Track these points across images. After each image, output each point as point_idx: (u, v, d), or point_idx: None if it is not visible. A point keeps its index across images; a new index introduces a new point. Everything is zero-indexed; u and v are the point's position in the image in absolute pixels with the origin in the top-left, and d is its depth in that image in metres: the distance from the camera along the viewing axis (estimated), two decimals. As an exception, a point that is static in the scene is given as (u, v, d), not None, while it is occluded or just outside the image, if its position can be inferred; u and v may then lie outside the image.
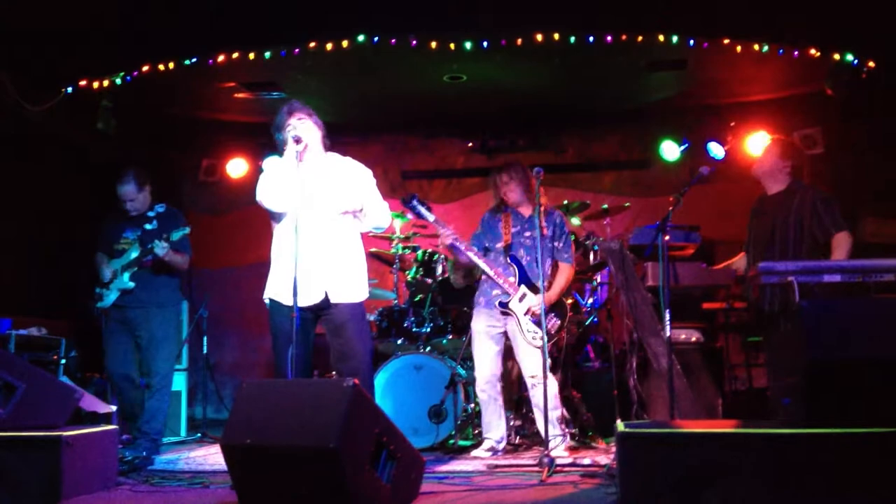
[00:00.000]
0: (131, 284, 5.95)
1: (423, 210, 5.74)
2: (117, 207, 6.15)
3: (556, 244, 5.86)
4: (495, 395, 5.80)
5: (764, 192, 5.58)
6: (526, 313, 5.66)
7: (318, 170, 4.81)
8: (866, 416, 3.42)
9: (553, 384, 5.65)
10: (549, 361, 5.67)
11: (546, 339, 5.52)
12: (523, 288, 5.69)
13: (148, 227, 6.04)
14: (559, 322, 5.79)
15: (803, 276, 4.53)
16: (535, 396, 5.69)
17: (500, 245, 5.85)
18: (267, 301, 4.83)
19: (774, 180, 5.49)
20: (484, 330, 5.80)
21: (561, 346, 6.26)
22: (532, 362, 5.65)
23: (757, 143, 7.62)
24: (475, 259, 5.74)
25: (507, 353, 5.93)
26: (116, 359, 5.97)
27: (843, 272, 4.54)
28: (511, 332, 5.76)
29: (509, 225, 5.86)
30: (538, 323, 5.62)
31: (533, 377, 5.66)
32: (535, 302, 5.64)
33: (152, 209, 6.13)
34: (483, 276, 5.89)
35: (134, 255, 5.96)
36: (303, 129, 4.75)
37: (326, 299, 4.72)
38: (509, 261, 5.77)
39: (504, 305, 5.69)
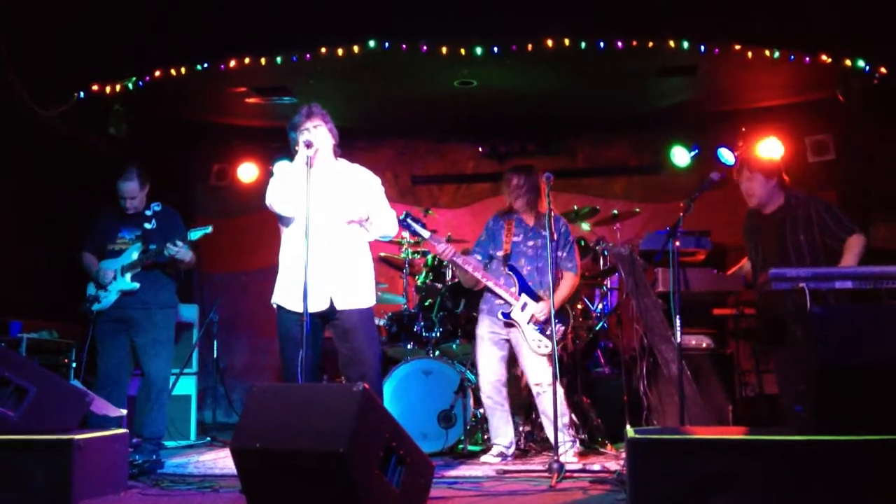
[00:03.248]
0: (136, 285, 5.85)
1: (417, 227, 5.69)
2: (110, 205, 6.02)
3: (560, 253, 5.85)
4: (501, 400, 5.79)
5: (753, 209, 5.55)
6: (529, 321, 5.66)
7: (327, 176, 4.82)
8: (878, 423, 3.40)
9: (559, 390, 5.64)
10: (549, 367, 5.68)
11: (552, 346, 5.54)
12: (524, 297, 5.69)
13: (147, 226, 5.94)
14: (563, 328, 5.80)
15: (815, 282, 4.51)
16: (542, 404, 5.69)
17: (500, 253, 5.85)
18: (274, 306, 4.85)
19: (770, 201, 5.45)
20: (487, 336, 5.80)
21: (569, 351, 6.25)
22: (537, 370, 5.65)
23: (770, 149, 7.62)
24: (473, 272, 5.74)
25: (515, 360, 5.92)
26: (113, 362, 5.84)
27: (855, 279, 4.52)
28: (515, 340, 5.76)
29: (511, 233, 5.86)
30: (542, 331, 5.63)
31: (538, 385, 5.65)
32: (538, 309, 5.64)
33: (149, 208, 6.02)
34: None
35: (135, 255, 5.87)
36: (315, 134, 4.77)
37: (332, 306, 4.73)
38: (508, 270, 5.76)
39: (507, 316, 5.69)
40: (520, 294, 5.70)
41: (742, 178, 5.52)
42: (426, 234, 5.72)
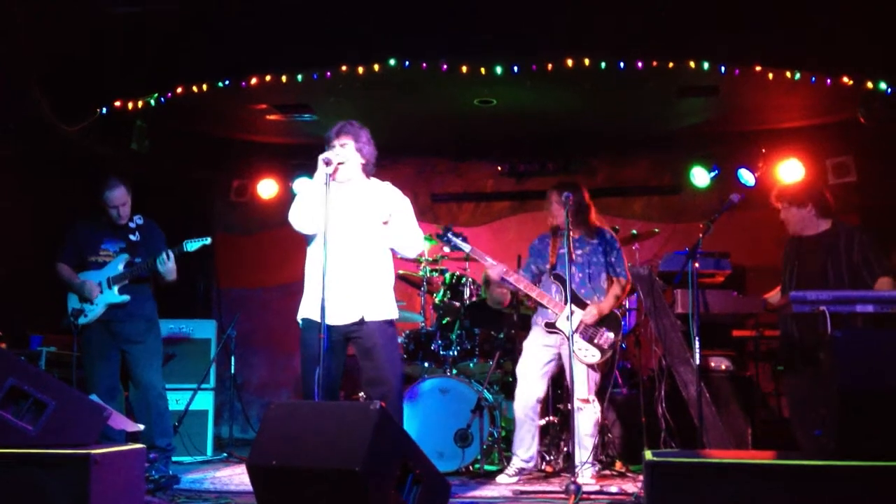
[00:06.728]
0: (126, 298, 5.75)
1: (458, 242, 5.65)
2: (92, 216, 5.95)
3: (609, 259, 5.82)
4: (533, 415, 5.75)
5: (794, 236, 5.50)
6: (577, 330, 5.59)
7: (352, 193, 4.83)
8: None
9: (596, 409, 5.61)
10: (597, 383, 5.62)
11: (600, 354, 5.50)
12: (570, 306, 5.61)
13: (132, 237, 5.84)
14: (612, 336, 5.69)
15: (835, 305, 4.47)
16: (583, 420, 5.61)
17: (547, 266, 5.82)
18: (300, 321, 4.81)
19: (808, 226, 5.37)
20: (536, 349, 5.75)
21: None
22: (581, 384, 5.57)
23: (791, 171, 7.61)
24: (517, 285, 5.69)
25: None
26: (108, 378, 5.76)
27: (876, 303, 4.48)
28: (563, 353, 5.69)
29: (556, 247, 5.82)
30: (589, 339, 5.59)
31: (583, 400, 5.58)
32: (585, 314, 5.61)
33: (132, 220, 5.90)
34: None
35: (121, 266, 5.78)
36: (340, 151, 4.77)
37: (362, 319, 4.69)
38: (553, 279, 5.73)
39: (551, 326, 5.65)
40: (565, 303, 5.64)
41: (779, 206, 5.45)
42: (467, 247, 5.67)
